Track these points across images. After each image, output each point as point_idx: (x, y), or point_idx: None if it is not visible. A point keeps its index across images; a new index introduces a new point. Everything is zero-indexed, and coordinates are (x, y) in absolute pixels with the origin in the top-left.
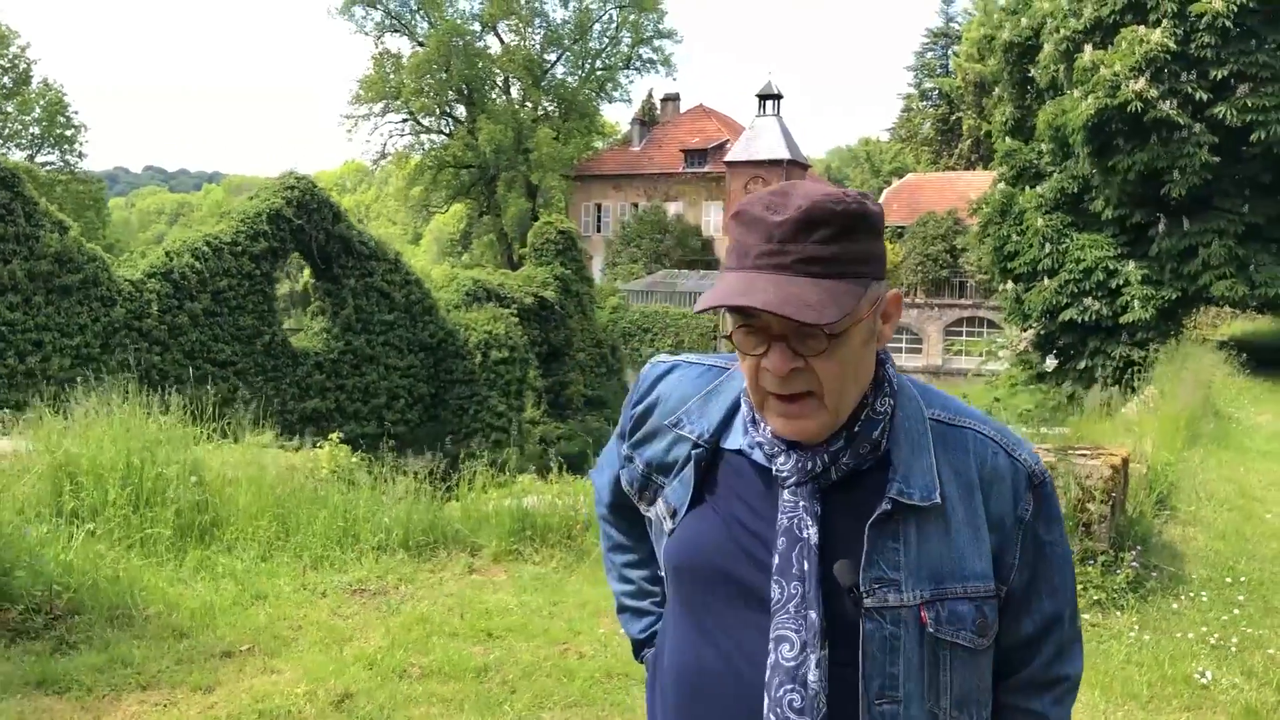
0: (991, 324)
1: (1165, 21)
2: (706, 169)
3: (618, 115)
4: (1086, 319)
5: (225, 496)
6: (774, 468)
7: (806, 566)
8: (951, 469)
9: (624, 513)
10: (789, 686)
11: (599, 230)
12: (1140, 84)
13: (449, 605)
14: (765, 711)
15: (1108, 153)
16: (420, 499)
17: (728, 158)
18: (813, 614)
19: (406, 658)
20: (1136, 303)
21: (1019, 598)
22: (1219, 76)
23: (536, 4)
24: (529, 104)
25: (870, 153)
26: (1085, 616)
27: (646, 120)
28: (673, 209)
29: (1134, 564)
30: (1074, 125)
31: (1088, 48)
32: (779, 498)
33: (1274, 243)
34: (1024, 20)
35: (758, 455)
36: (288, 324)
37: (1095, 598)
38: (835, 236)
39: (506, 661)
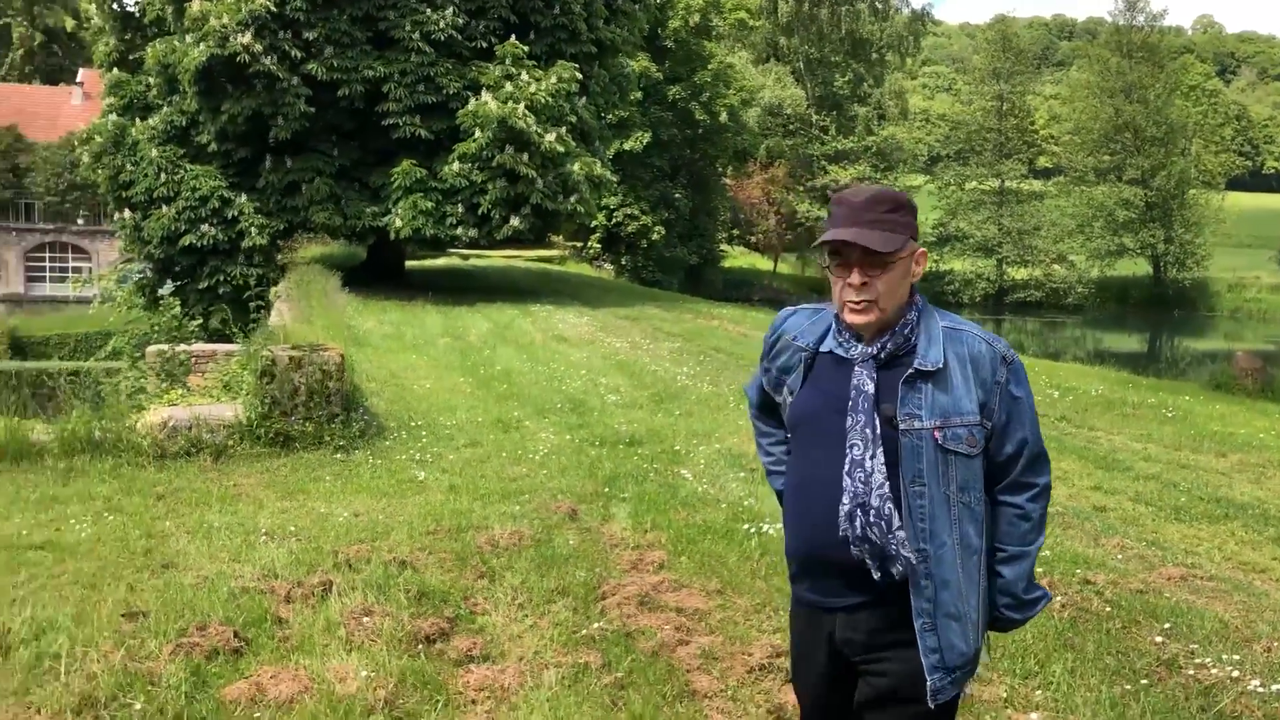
0: (77, 249)
1: None
2: None
3: None
4: (204, 244)
5: None
6: (850, 355)
7: (866, 405)
8: (954, 353)
9: (768, 410)
10: (861, 471)
11: None
12: (246, 38)
13: None
14: (846, 486)
15: (217, 95)
16: None
17: None
18: (869, 430)
19: None
20: (254, 230)
21: (1000, 430)
22: (311, 38)
23: None
24: None
25: None
26: (338, 456)
27: None
28: None
29: (362, 420)
30: (185, 68)
31: None
32: (851, 374)
33: (358, 181)
34: None
35: (839, 351)
36: None
37: (340, 444)
38: (890, 210)
39: None
